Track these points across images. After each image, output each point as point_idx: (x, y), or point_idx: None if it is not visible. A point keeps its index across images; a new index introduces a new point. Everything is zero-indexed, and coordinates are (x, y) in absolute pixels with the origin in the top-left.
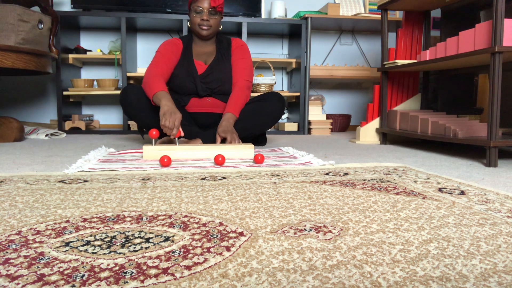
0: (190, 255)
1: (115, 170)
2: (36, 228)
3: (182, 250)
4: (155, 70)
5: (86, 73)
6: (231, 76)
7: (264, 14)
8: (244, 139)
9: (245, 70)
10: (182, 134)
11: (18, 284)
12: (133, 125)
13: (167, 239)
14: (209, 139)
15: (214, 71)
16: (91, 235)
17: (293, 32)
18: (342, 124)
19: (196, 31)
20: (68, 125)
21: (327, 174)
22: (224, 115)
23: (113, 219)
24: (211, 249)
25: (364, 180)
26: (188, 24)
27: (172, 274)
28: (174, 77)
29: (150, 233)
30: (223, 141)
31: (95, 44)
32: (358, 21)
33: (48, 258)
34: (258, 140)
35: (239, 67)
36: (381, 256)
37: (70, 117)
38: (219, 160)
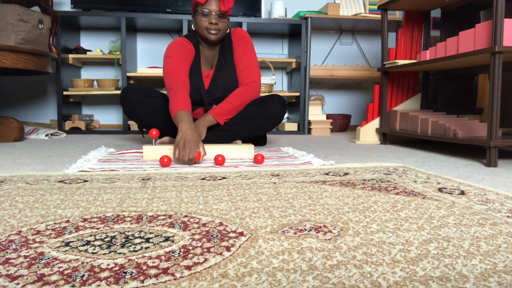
0: (190, 255)
1: (115, 170)
2: (36, 228)
3: (182, 250)
4: (178, 83)
5: (86, 73)
6: (235, 79)
7: (264, 14)
8: (244, 139)
9: (250, 69)
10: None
11: (18, 284)
12: (133, 125)
13: (167, 239)
14: (209, 140)
15: (218, 82)
16: (91, 235)
17: (293, 32)
18: (342, 124)
19: (203, 35)
20: (68, 125)
21: (327, 174)
22: (204, 115)
23: (113, 219)
24: (211, 249)
25: (364, 180)
26: (193, 27)
27: (172, 274)
28: None
29: (150, 233)
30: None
31: (95, 44)
32: (358, 21)
33: (48, 258)
34: (258, 140)
35: (243, 66)
36: (381, 256)
37: (70, 117)
38: (219, 160)
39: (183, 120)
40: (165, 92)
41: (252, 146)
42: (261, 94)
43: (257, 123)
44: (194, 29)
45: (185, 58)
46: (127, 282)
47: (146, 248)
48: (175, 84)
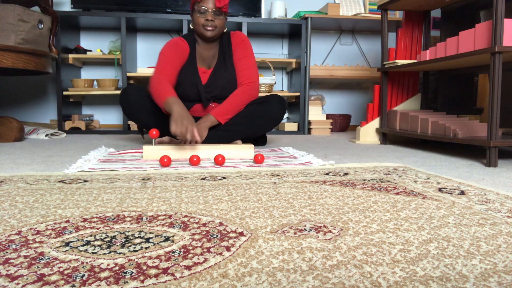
0: (190, 255)
1: (115, 170)
2: (36, 228)
3: (182, 250)
4: (161, 76)
5: (86, 73)
6: (234, 79)
7: (264, 14)
8: (244, 139)
9: (249, 70)
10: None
11: (18, 284)
12: (133, 125)
13: (167, 239)
14: (209, 140)
15: (217, 79)
16: (91, 235)
17: (293, 32)
18: (342, 124)
19: (200, 32)
20: (68, 125)
21: (327, 174)
22: (205, 116)
23: (113, 219)
24: (211, 249)
25: (364, 180)
26: (191, 25)
27: (172, 274)
28: (178, 84)
29: (150, 233)
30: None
31: (95, 44)
32: (358, 21)
33: (48, 258)
34: (258, 140)
35: (243, 67)
36: (381, 256)
37: (70, 117)
38: (219, 160)
39: (175, 103)
40: None
41: (252, 146)
42: (261, 94)
43: (257, 123)
44: (192, 27)
45: (178, 58)
46: (127, 282)
47: (146, 248)
48: (159, 78)
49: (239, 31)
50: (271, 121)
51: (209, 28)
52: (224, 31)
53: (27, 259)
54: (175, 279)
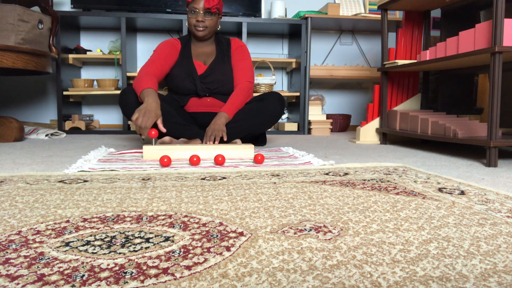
0: (190, 255)
1: (115, 170)
2: (36, 228)
3: (182, 250)
4: (148, 69)
5: (86, 73)
6: (231, 76)
7: (264, 14)
8: (244, 139)
9: (247, 71)
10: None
11: (18, 284)
12: (133, 125)
13: (167, 239)
14: None
15: (214, 72)
16: (91, 235)
17: (293, 32)
18: (342, 124)
19: (192, 31)
20: (68, 125)
21: (327, 174)
22: (218, 114)
23: (113, 219)
24: (211, 249)
25: (364, 180)
26: (187, 24)
27: (172, 274)
28: (174, 77)
29: (150, 233)
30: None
31: (95, 44)
32: (358, 21)
33: (48, 258)
34: (258, 140)
35: (240, 68)
36: (381, 256)
37: (70, 117)
38: (219, 160)
39: (149, 95)
40: (163, 93)
41: (252, 146)
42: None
43: (256, 120)
44: (187, 26)
45: (168, 54)
46: (127, 282)
47: (146, 248)
48: (144, 70)
49: (238, 38)
50: (270, 119)
51: (200, 28)
52: (218, 29)
53: (27, 259)
54: (175, 279)
